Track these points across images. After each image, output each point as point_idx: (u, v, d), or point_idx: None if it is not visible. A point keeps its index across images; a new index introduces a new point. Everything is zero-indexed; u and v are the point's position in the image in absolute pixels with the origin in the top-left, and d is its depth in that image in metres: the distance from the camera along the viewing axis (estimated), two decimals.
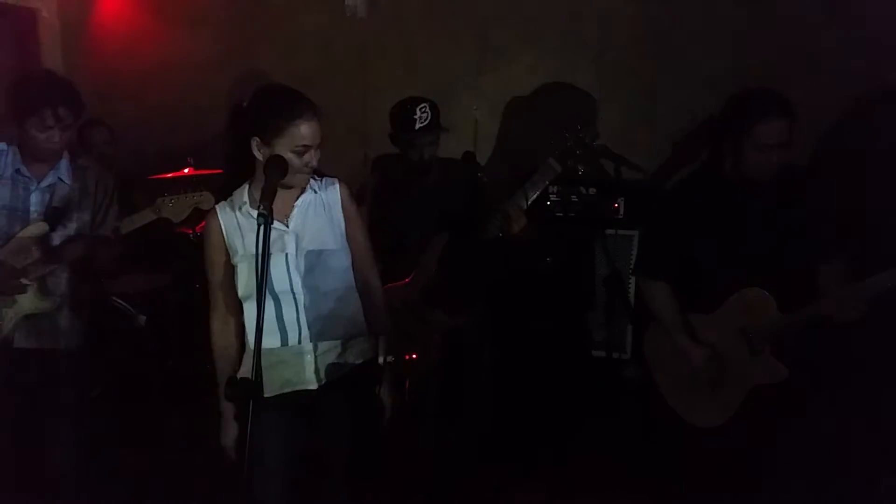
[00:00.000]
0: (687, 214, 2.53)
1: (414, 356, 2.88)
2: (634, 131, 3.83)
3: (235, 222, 2.11)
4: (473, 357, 3.09)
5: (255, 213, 1.91)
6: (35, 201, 2.61)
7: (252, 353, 1.83)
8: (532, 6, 3.99)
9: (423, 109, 2.83)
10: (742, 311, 2.44)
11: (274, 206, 1.91)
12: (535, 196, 2.78)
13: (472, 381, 3.10)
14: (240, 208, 2.11)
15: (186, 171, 4.01)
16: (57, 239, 2.60)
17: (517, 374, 3.58)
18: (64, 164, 2.66)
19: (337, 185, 2.20)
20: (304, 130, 1.98)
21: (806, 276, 2.43)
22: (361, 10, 4.27)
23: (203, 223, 3.93)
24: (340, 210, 2.17)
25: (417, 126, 2.83)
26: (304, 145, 1.98)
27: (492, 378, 3.16)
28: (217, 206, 2.16)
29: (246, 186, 2.13)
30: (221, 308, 2.18)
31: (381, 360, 2.18)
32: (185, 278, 4.11)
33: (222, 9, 4.63)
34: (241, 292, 2.08)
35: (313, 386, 2.12)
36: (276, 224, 2.03)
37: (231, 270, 2.12)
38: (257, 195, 2.01)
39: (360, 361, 2.19)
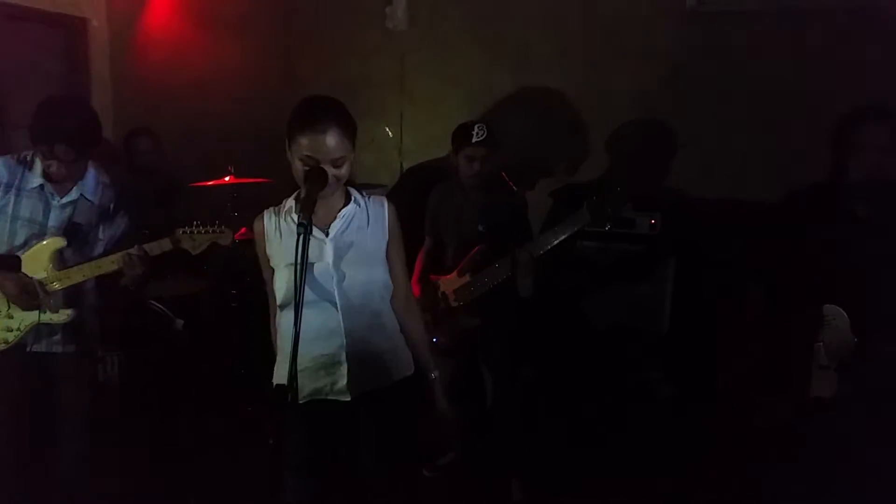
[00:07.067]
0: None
1: (434, 340, 3.15)
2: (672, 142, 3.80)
3: (275, 227, 2.13)
4: (501, 370, 3.23)
5: (296, 218, 1.93)
6: (54, 217, 2.58)
7: (285, 360, 1.83)
8: (569, 19, 3.99)
9: (480, 127, 3.21)
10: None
11: (317, 215, 1.93)
12: (559, 240, 2.92)
13: (499, 394, 3.23)
14: (285, 214, 2.13)
15: (227, 179, 4.07)
16: (72, 254, 2.57)
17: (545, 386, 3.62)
18: (90, 180, 2.62)
19: (385, 204, 2.20)
20: (305, 142, 1.96)
21: None
22: (402, 24, 4.32)
23: (242, 229, 4.06)
24: (385, 227, 2.17)
25: (474, 140, 3.18)
26: (307, 156, 1.97)
27: (519, 389, 3.28)
28: (265, 211, 2.18)
29: (296, 193, 2.14)
30: (274, 306, 2.18)
31: (432, 375, 2.24)
32: (221, 284, 4.17)
33: (266, 20, 4.72)
34: (279, 300, 2.07)
35: (346, 398, 2.09)
36: (316, 232, 2.04)
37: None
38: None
39: (395, 379, 2.17)
